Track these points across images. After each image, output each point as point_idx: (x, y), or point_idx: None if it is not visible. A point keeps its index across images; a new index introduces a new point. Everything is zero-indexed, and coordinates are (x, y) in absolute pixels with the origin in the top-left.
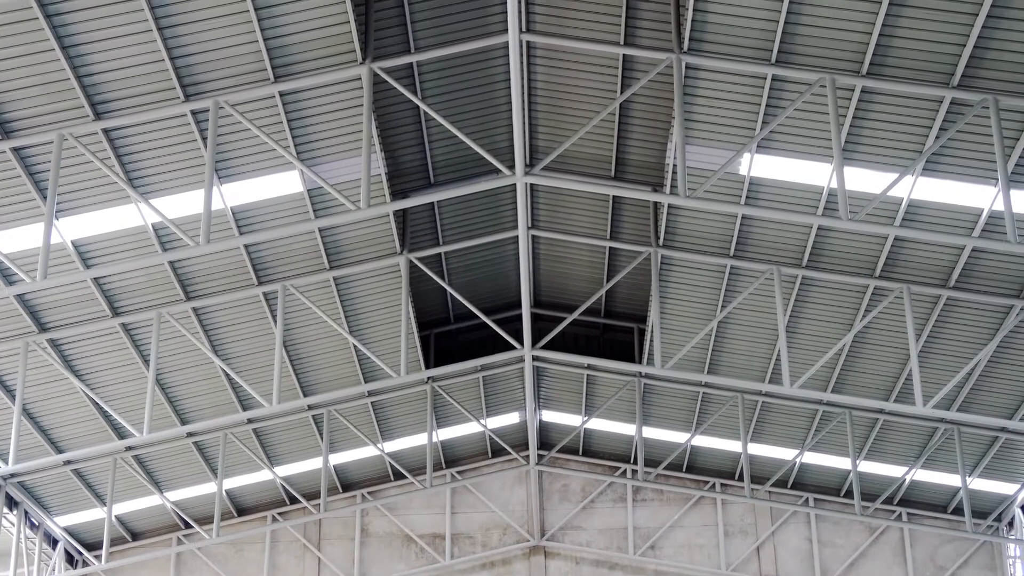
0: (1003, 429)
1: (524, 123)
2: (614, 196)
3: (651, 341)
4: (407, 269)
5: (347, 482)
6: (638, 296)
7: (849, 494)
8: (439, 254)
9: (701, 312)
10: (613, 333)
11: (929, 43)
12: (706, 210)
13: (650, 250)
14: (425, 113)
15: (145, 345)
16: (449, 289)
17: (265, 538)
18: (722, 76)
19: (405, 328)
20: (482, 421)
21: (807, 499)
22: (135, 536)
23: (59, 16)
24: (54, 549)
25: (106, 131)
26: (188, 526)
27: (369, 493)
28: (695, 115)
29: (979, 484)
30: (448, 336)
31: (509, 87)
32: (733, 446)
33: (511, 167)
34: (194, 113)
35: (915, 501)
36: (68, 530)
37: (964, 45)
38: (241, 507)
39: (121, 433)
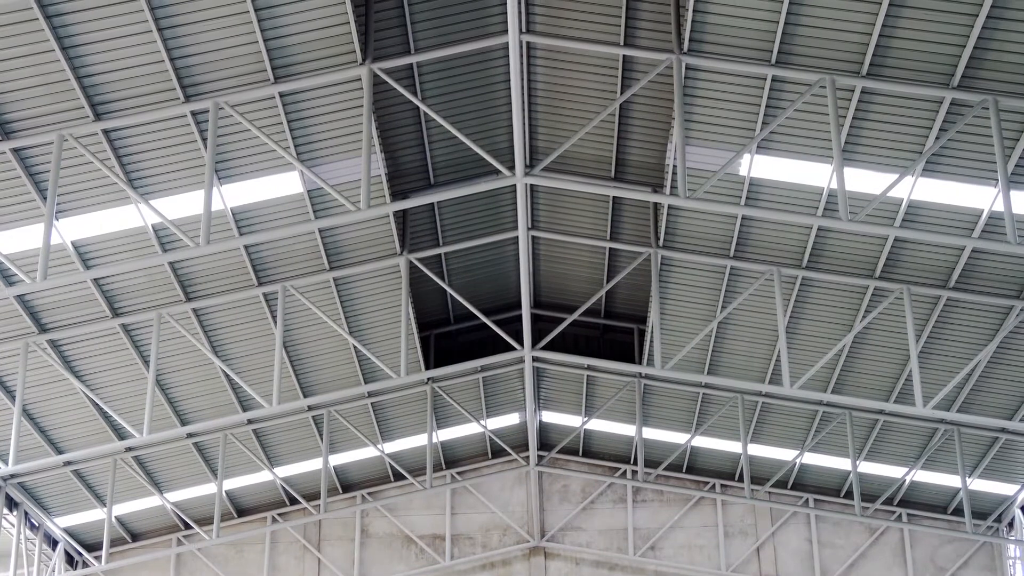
0: (1003, 430)
1: (524, 124)
2: (614, 197)
3: (651, 342)
4: (407, 270)
5: (347, 483)
6: (638, 297)
7: (849, 495)
8: (439, 255)
9: (701, 313)
10: (613, 334)
11: (929, 44)
12: (706, 211)
13: (650, 251)
14: (425, 114)
15: (145, 346)
16: (449, 290)
17: (265, 539)
18: (722, 77)
19: (405, 329)
20: (482, 422)
21: (807, 500)
22: (135, 537)
23: (59, 16)
24: (54, 550)
25: (106, 132)
26: (188, 527)
27: (369, 494)
28: (695, 116)
29: (979, 485)
30: (448, 337)
31: (509, 88)
32: (733, 447)
33: (511, 168)
34: (194, 114)
35: (915, 502)
36: (68, 531)
37: (964, 46)
38: (241, 508)
39: (121, 434)
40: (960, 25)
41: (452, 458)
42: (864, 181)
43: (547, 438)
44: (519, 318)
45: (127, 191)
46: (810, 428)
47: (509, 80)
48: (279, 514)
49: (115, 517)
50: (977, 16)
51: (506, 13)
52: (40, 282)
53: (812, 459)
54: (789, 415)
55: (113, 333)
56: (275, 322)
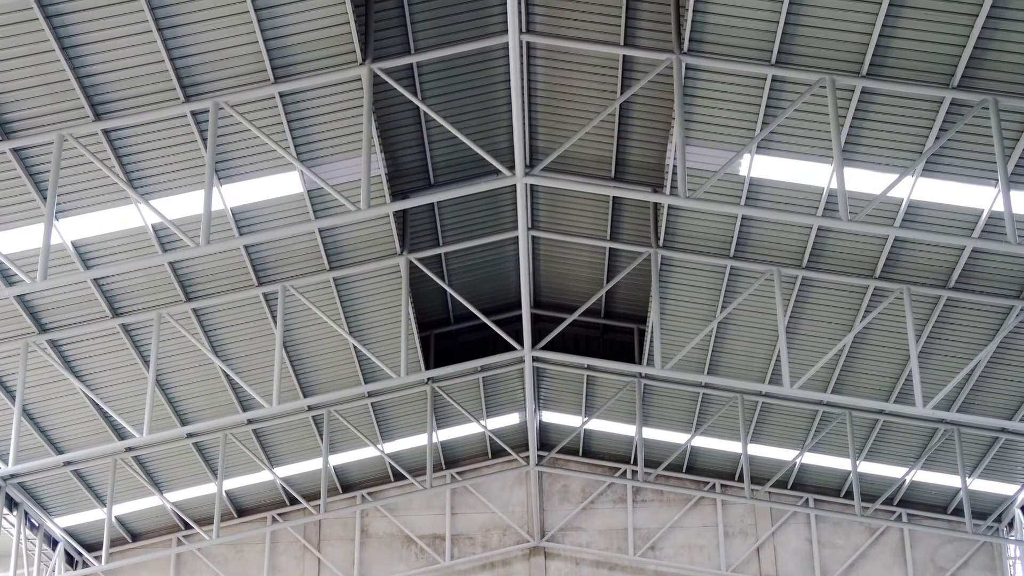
0: (1003, 430)
1: (524, 124)
2: (614, 197)
3: (651, 342)
4: (407, 270)
5: (347, 483)
6: (638, 297)
7: (849, 495)
8: (439, 255)
9: (701, 313)
10: (613, 334)
11: (929, 44)
12: (706, 211)
13: (650, 251)
14: (425, 114)
15: (145, 346)
16: (449, 290)
17: (265, 539)
18: (722, 77)
19: (405, 329)
20: (482, 422)
21: (807, 500)
22: (135, 537)
23: (59, 17)
24: (54, 550)
25: (106, 132)
26: (188, 527)
27: (369, 494)
28: (695, 116)
29: (979, 485)
30: (448, 337)
31: (509, 88)
32: (733, 447)
33: (511, 168)
34: (194, 114)
35: (915, 502)
36: (68, 531)
37: (964, 46)
38: (241, 508)
39: (121, 434)
40: (960, 25)
41: (452, 458)
42: (864, 181)
43: (547, 438)
44: (519, 318)
45: (127, 191)
46: (810, 428)
47: (509, 80)
48: (279, 514)
49: (115, 517)
50: (977, 16)
51: (506, 13)
52: (40, 282)
53: (812, 459)
54: (789, 415)
55: (113, 333)
56: (275, 322)
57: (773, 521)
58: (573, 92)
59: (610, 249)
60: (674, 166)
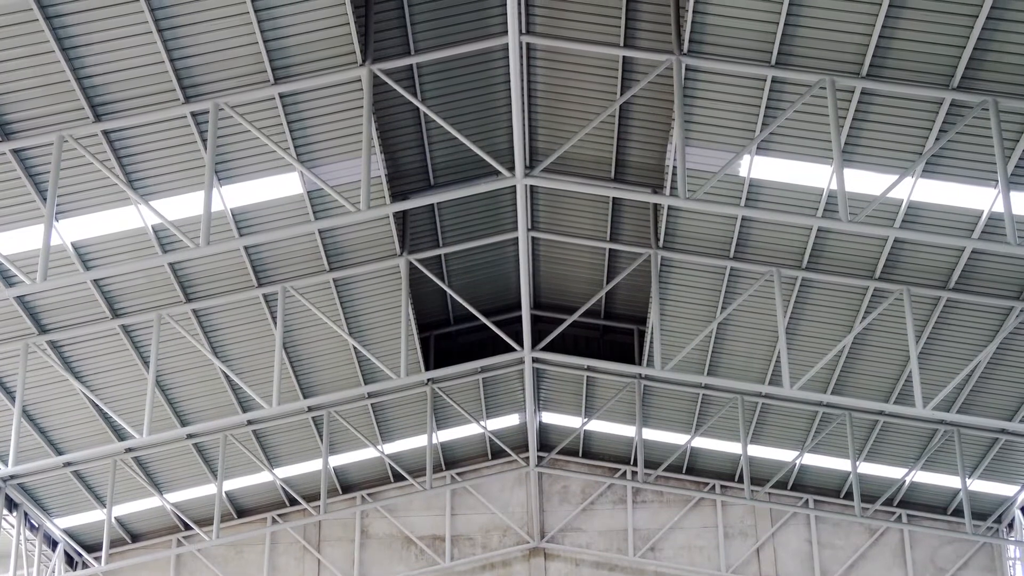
0: (1003, 431)
1: (524, 125)
2: (614, 198)
3: (651, 343)
4: (407, 271)
5: (347, 484)
6: (638, 298)
7: (849, 495)
8: (439, 256)
9: (701, 314)
10: (613, 335)
11: (929, 45)
12: (706, 212)
13: (650, 252)
14: (425, 115)
15: (145, 347)
16: (449, 291)
17: (265, 540)
18: (722, 78)
19: (405, 330)
20: (482, 423)
21: (807, 501)
22: (135, 538)
23: (59, 17)
24: (54, 551)
25: (106, 133)
26: (188, 528)
27: (369, 495)
28: (695, 117)
29: (979, 485)
30: (448, 338)
31: (509, 89)
32: (733, 448)
33: (511, 169)
34: (194, 115)
35: (915, 503)
36: (68, 532)
37: (964, 47)
38: (241, 509)
39: (121, 435)
40: (960, 26)
41: (452, 459)
42: (864, 182)
43: (547, 439)
44: (519, 319)
45: (127, 192)
46: (810, 429)
47: (509, 81)
48: (279, 515)
49: (115, 518)
50: (977, 17)
51: (506, 14)
52: (40, 283)
53: (812, 460)
54: (789, 416)
55: (113, 334)
56: (275, 323)
57: (773, 522)
58: (573, 93)
59: (610, 250)
60: (674, 167)
